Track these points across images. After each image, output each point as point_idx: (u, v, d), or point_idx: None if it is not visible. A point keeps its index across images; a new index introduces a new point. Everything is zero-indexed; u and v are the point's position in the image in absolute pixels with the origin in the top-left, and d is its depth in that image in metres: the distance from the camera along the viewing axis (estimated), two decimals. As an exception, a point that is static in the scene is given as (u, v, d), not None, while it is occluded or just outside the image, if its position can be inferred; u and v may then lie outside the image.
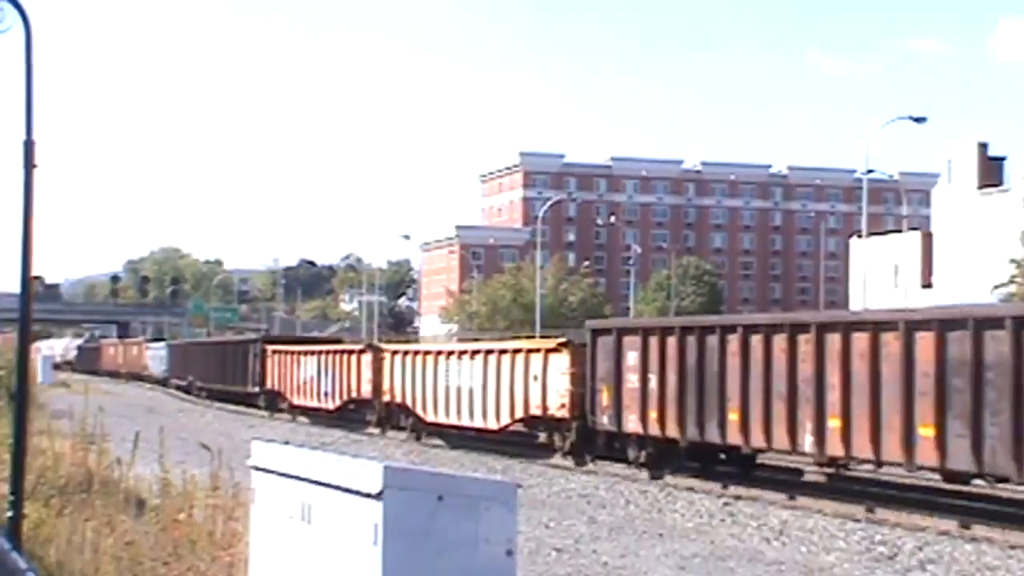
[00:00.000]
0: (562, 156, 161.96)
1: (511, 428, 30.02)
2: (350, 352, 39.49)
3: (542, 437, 28.92)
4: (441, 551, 5.98)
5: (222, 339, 71.59)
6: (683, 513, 20.15)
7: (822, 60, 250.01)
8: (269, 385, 47.05)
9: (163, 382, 71.48)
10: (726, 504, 20.69)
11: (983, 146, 78.77)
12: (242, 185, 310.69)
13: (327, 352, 41.64)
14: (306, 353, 43.37)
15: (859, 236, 69.41)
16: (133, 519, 12.37)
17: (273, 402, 47.16)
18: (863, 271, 64.47)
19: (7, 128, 12.28)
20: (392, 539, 5.92)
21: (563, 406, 26.55)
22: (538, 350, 28.16)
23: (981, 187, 77.19)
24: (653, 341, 24.13)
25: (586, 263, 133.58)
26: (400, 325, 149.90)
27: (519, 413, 28.57)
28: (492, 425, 29.75)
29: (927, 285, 79.73)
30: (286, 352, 45.74)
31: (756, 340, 21.47)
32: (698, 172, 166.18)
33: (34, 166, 11.73)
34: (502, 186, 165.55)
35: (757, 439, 21.49)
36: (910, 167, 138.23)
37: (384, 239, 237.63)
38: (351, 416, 40.17)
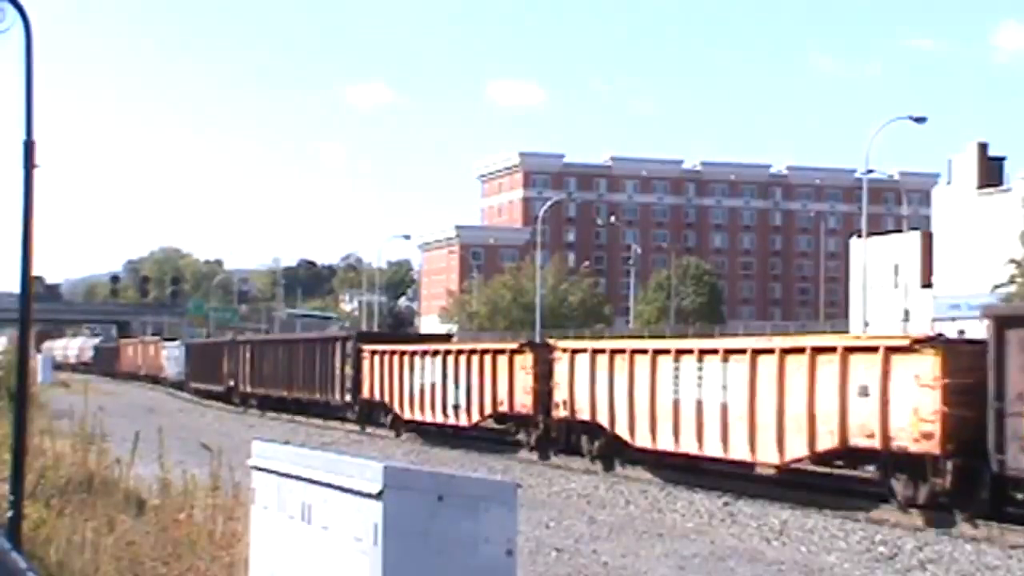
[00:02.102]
0: (562, 156, 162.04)
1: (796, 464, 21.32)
2: (498, 352, 30.42)
3: (806, 467, 21.69)
4: (441, 551, 5.98)
5: (288, 336, 60.98)
6: (683, 513, 20.14)
7: (822, 60, 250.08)
8: (366, 394, 37.68)
9: (179, 385, 65.56)
10: (726, 504, 20.66)
11: (983, 146, 78.85)
12: (242, 185, 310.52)
13: (461, 352, 32.41)
14: (427, 354, 34.03)
15: (859, 236, 69.42)
16: (133, 519, 12.39)
17: (369, 415, 38.26)
18: (863, 271, 64.45)
19: (7, 128, 12.30)
20: (392, 539, 5.92)
21: (925, 435, 17.84)
22: (871, 350, 19.14)
23: (981, 187, 77.24)
24: None
25: (586, 263, 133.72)
26: (400, 325, 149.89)
27: (826, 443, 19.74)
28: (770, 458, 21.10)
29: (927, 285, 79.80)
30: (394, 353, 36.03)
31: None
32: (698, 172, 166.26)
33: (34, 166, 11.74)
34: (502, 186, 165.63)
35: None
36: (910, 167, 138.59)
37: (384, 239, 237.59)
38: (492, 435, 31.94)
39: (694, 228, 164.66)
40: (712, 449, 22.17)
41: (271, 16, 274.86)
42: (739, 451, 21.49)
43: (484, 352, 31.10)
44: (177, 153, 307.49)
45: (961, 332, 53.54)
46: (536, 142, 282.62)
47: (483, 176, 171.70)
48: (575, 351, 27.01)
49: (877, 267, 75.43)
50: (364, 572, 6.06)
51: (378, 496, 5.95)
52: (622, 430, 24.81)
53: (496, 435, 31.69)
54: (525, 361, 28.73)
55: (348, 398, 39.19)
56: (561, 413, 26.98)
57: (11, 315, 23.13)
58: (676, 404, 22.98)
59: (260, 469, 7.54)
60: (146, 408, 48.90)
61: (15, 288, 12.39)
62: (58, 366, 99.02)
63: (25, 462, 11.69)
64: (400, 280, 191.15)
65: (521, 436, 29.20)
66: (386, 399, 36.16)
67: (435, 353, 33.55)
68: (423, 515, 5.97)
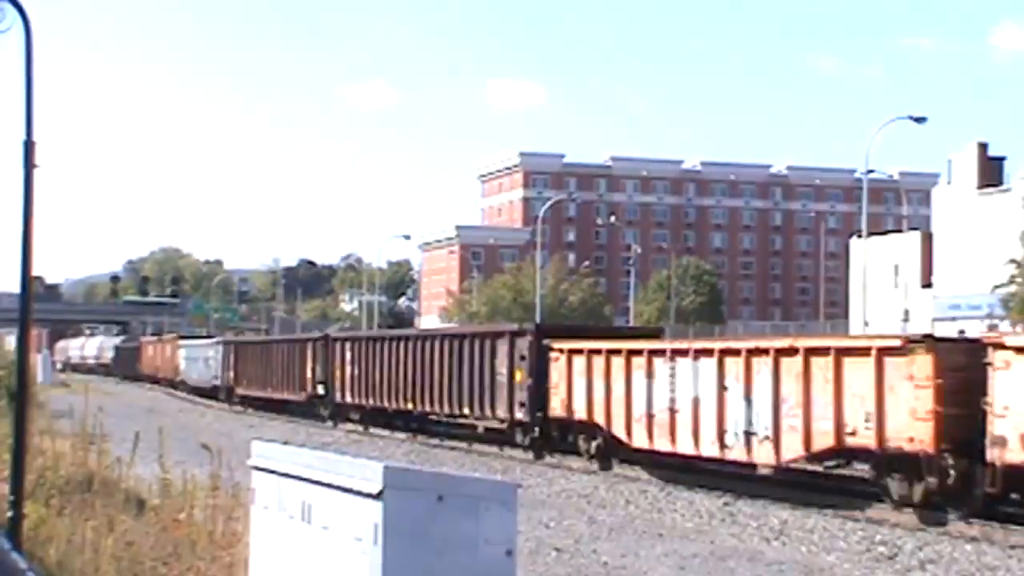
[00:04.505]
0: (562, 156, 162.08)
1: None
2: (845, 351, 19.60)
3: None
4: (441, 551, 5.98)
5: (420, 331, 45.81)
6: (683, 513, 20.13)
7: (822, 60, 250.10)
8: (558, 410, 27.21)
9: (210, 393, 55.47)
10: (726, 504, 20.65)
11: (983, 146, 78.92)
12: (242, 185, 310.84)
13: (758, 352, 21.38)
14: (682, 354, 23.31)
15: (859, 236, 69.43)
16: (133, 519, 12.39)
17: (561, 439, 27.91)
18: (863, 271, 64.44)
19: (7, 128, 12.31)
20: (392, 539, 5.92)
21: None
22: None
23: (981, 187, 77.28)
24: None
25: (586, 263, 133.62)
26: (400, 325, 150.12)
27: None
28: None
29: (927, 285, 79.84)
30: (614, 352, 25.48)
31: None
32: (698, 172, 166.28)
33: (34, 166, 11.75)
34: (502, 186, 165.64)
35: None
36: (910, 167, 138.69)
37: (384, 239, 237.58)
38: (827, 483, 21.50)
39: (694, 228, 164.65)
40: None
41: (271, 16, 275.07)
42: None
43: (813, 352, 20.17)
44: (177, 153, 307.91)
45: (961, 332, 53.54)
46: (536, 142, 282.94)
47: (483, 176, 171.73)
48: None
49: (877, 267, 75.47)
50: (364, 572, 6.06)
51: (378, 496, 5.95)
52: None
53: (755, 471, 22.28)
54: (915, 367, 17.95)
55: (521, 415, 28.64)
56: (1012, 456, 16.76)
57: (11, 315, 23.07)
58: None
59: (260, 469, 7.54)
60: (146, 408, 48.88)
61: (15, 288, 12.39)
62: (74, 367, 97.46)
63: (25, 462, 11.69)
64: (400, 280, 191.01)
65: (892, 484, 18.91)
66: (597, 419, 25.81)
67: (703, 353, 22.83)
68: (423, 515, 5.97)
